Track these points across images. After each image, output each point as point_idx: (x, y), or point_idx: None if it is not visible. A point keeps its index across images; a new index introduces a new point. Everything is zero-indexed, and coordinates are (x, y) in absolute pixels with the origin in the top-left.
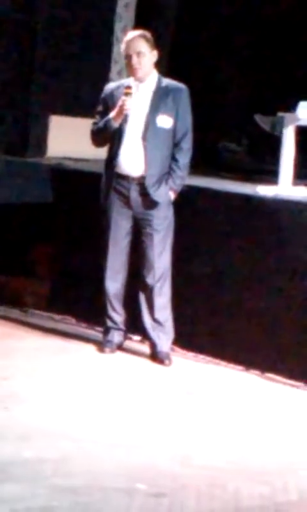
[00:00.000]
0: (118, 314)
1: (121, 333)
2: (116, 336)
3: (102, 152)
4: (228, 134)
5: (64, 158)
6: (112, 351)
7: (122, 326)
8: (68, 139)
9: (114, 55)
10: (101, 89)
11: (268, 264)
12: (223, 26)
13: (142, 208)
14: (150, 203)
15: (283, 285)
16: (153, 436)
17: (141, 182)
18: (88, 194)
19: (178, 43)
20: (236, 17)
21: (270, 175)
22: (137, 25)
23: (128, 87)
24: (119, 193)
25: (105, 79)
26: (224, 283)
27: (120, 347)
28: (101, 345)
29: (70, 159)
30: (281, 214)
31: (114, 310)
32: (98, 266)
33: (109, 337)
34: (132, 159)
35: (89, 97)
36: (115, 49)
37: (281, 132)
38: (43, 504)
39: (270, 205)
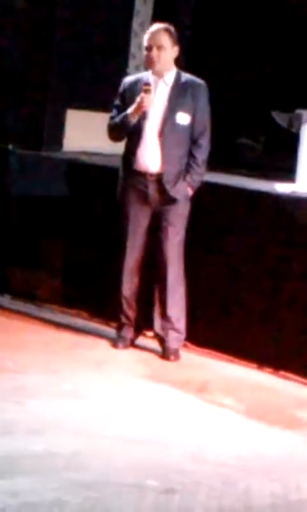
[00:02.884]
0: (132, 310)
1: (135, 329)
2: (129, 332)
3: (118, 147)
4: (245, 130)
5: (80, 152)
6: (125, 347)
7: (135, 322)
8: (84, 133)
9: (132, 50)
10: (118, 83)
11: (285, 260)
12: (241, 22)
13: (159, 204)
14: (168, 200)
15: (299, 282)
16: (164, 433)
17: (159, 179)
18: (104, 188)
19: (196, 38)
20: (255, 13)
21: (288, 172)
22: (155, 20)
23: (147, 84)
24: (138, 190)
25: (123, 74)
26: (239, 280)
27: (133, 343)
28: (114, 341)
29: (86, 153)
30: (299, 211)
31: (129, 306)
32: (113, 261)
33: (123, 333)
34: (150, 156)
35: (106, 92)
36: (133, 44)
37: (298, 129)
38: (54, 498)
39: (287, 202)
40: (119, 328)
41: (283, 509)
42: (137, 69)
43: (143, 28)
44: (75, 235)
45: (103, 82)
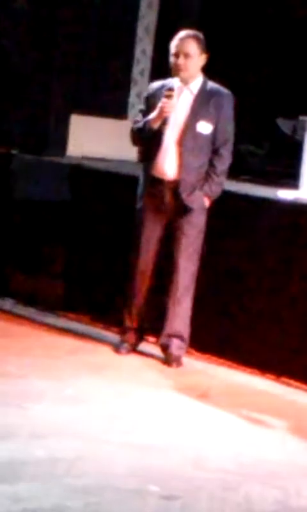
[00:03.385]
0: (139, 316)
1: (138, 334)
2: (132, 337)
3: (123, 152)
4: (249, 137)
5: (84, 157)
6: (128, 352)
7: (139, 328)
8: (88, 138)
9: (137, 54)
10: (122, 89)
11: (288, 266)
12: (247, 27)
13: (174, 212)
14: (183, 208)
15: (304, 288)
16: (166, 438)
17: (175, 186)
18: (106, 193)
19: None
20: (260, 18)
21: (291, 179)
22: (160, 25)
23: (170, 89)
24: (154, 196)
25: (127, 79)
26: (242, 286)
27: (135, 349)
28: (116, 346)
29: (89, 158)
30: (302, 217)
31: (137, 311)
32: (115, 266)
33: (126, 338)
34: (168, 163)
35: (110, 97)
36: (137, 49)
37: (302, 136)
38: (56, 503)
39: (290, 208)
40: (123, 333)
41: None
42: (142, 74)
43: (148, 33)
44: (77, 239)
45: (107, 88)
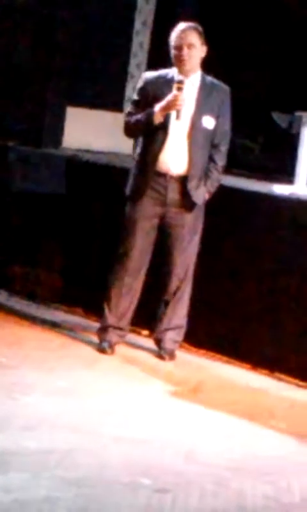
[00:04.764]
0: (127, 311)
1: (123, 332)
2: (114, 336)
3: (119, 145)
4: (244, 131)
5: (80, 150)
6: (113, 352)
7: (125, 325)
8: (84, 131)
9: (134, 48)
10: (119, 81)
11: (284, 262)
12: (244, 22)
13: (177, 208)
14: (188, 204)
15: (298, 283)
16: (158, 432)
17: (181, 181)
18: (103, 186)
19: None
20: (257, 13)
21: (287, 174)
22: (157, 18)
23: (181, 81)
24: (155, 191)
25: (124, 72)
26: (237, 281)
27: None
28: (100, 346)
29: (85, 151)
30: (297, 212)
31: (125, 306)
32: (111, 259)
33: (108, 337)
34: (175, 157)
35: (107, 90)
36: (134, 42)
37: (298, 131)
38: (46, 494)
39: (286, 203)
40: (104, 331)
41: (275, 510)
42: (138, 68)
43: (145, 26)
44: (73, 232)
45: (103, 80)
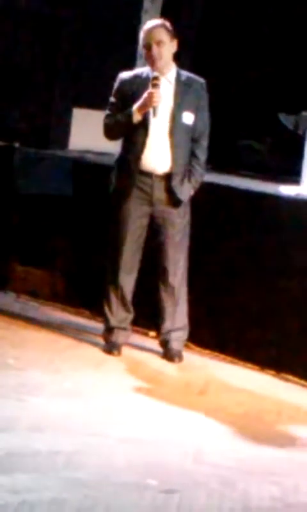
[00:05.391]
0: (127, 312)
1: (126, 332)
2: (120, 337)
3: None
4: (250, 132)
5: (86, 151)
6: (120, 353)
7: (127, 325)
8: (90, 132)
9: (140, 49)
10: None
11: (289, 263)
12: (249, 22)
13: (164, 206)
14: (174, 201)
15: (305, 284)
16: (165, 433)
17: (165, 179)
18: (108, 187)
19: (204, 37)
20: (263, 13)
21: (293, 175)
22: (164, 18)
23: (156, 78)
24: (141, 190)
25: None
26: (242, 282)
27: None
28: (107, 348)
29: (91, 152)
30: (303, 213)
31: (124, 307)
32: (109, 262)
33: (113, 338)
34: (158, 156)
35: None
36: (140, 43)
37: (304, 132)
38: (53, 496)
39: (292, 204)
40: (109, 333)
41: (281, 511)
42: None
43: None
44: (78, 233)
45: (109, 81)
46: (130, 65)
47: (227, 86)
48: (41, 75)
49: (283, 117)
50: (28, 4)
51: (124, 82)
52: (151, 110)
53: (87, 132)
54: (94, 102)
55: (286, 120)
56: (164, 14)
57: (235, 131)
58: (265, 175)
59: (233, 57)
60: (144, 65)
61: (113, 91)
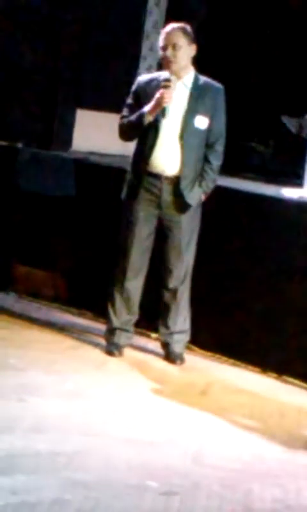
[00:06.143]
0: (130, 314)
1: (129, 334)
2: (122, 338)
3: (127, 148)
4: (254, 134)
5: (89, 152)
6: (121, 354)
7: (130, 327)
8: (93, 133)
9: (143, 51)
10: (129, 84)
11: (291, 265)
12: (254, 25)
13: (172, 209)
14: (182, 205)
15: (305, 287)
16: (166, 434)
17: (174, 182)
18: (111, 189)
19: (208, 40)
20: (268, 17)
21: (295, 177)
22: (168, 21)
23: (167, 79)
24: (150, 192)
25: (133, 75)
26: (245, 284)
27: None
28: (108, 348)
29: (95, 153)
30: (306, 216)
31: (128, 309)
32: (116, 263)
33: (115, 339)
34: (168, 158)
35: (116, 92)
36: (144, 45)
37: None
38: (54, 496)
39: (294, 207)
40: (111, 334)
41: None
42: (148, 70)
43: (156, 29)
44: (81, 234)
45: (113, 83)
46: (134, 66)
47: (230, 89)
48: (45, 76)
49: (286, 120)
50: (31, 4)
51: (140, 85)
52: (160, 111)
53: (91, 134)
54: (97, 104)
55: (289, 122)
56: (168, 16)
57: (238, 133)
58: (268, 177)
59: (237, 60)
60: (147, 67)
61: (130, 93)
